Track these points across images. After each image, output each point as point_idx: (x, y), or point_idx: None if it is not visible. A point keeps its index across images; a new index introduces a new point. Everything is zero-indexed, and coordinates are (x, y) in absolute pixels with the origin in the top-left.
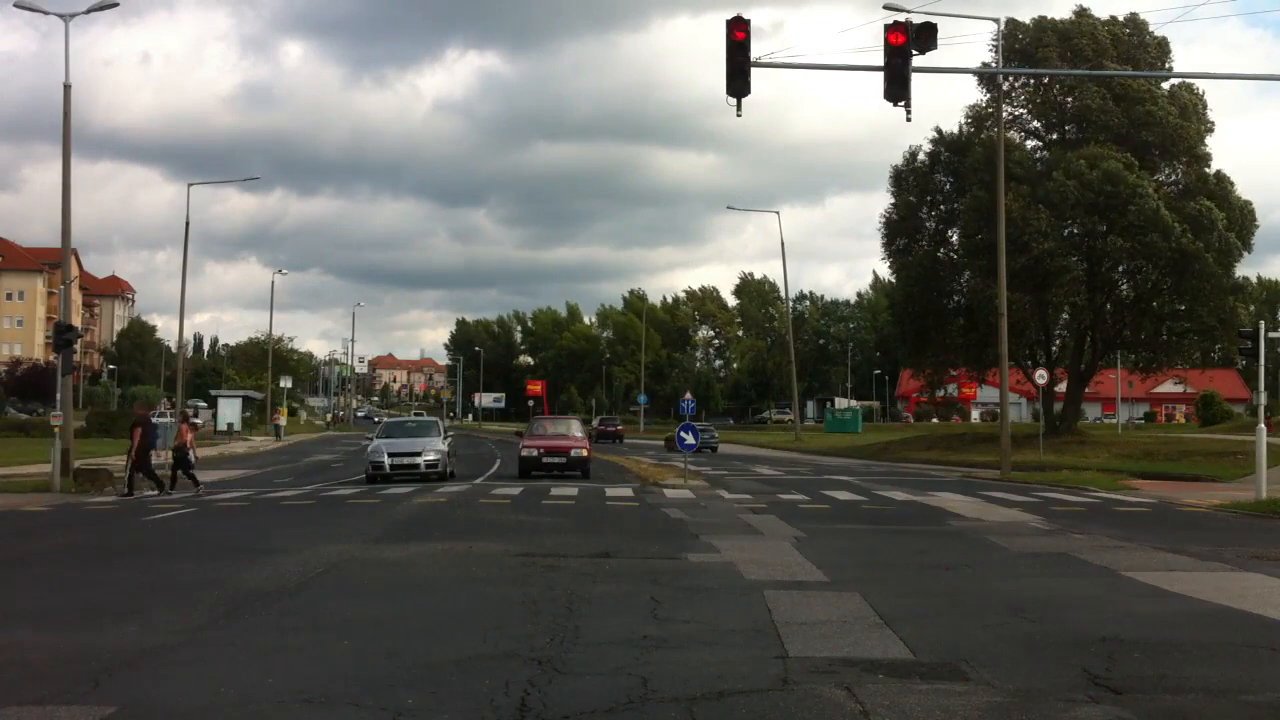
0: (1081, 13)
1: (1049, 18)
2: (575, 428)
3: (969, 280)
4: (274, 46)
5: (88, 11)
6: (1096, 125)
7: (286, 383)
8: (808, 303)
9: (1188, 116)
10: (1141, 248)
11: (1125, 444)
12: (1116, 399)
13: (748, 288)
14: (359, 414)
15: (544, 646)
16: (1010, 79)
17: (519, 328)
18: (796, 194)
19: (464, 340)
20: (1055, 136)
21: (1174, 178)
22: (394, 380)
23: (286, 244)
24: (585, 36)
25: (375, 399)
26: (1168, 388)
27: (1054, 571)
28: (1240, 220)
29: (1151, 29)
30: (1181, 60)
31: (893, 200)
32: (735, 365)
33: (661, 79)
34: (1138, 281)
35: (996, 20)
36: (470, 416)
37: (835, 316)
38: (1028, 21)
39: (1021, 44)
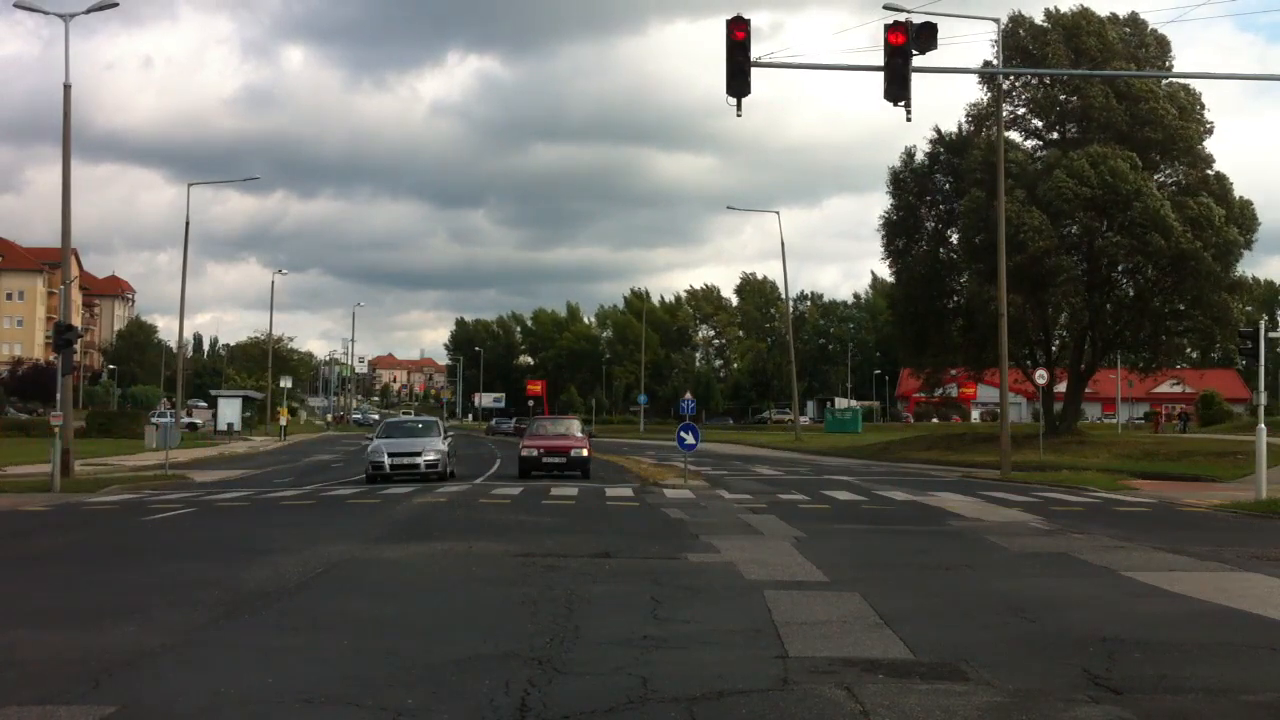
0: (1083, 11)
1: (1057, 10)
2: (575, 428)
3: (968, 280)
4: (275, 51)
5: (87, 11)
6: (1098, 124)
7: (287, 383)
8: (808, 303)
9: (1186, 116)
10: (1140, 245)
11: (1125, 444)
12: (1116, 399)
13: (749, 287)
14: (357, 417)
15: (544, 646)
16: (1011, 78)
17: (519, 328)
18: (794, 196)
19: (464, 340)
20: (1056, 135)
21: (1175, 177)
22: (394, 380)
23: (287, 245)
24: (584, 40)
25: (375, 399)
26: (1168, 388)
27: (1054, 571)
28: (1241, 218)
29: (1151, 28)
30: (1175, 63)
31: (892, 201)
32: (735, 365)
33: (659, 82)
34: (1138, 281)
35: (997, 20)
36: (470, 416)
37: (835, 317)
38: (1034, 17)
39: (1024, 41)
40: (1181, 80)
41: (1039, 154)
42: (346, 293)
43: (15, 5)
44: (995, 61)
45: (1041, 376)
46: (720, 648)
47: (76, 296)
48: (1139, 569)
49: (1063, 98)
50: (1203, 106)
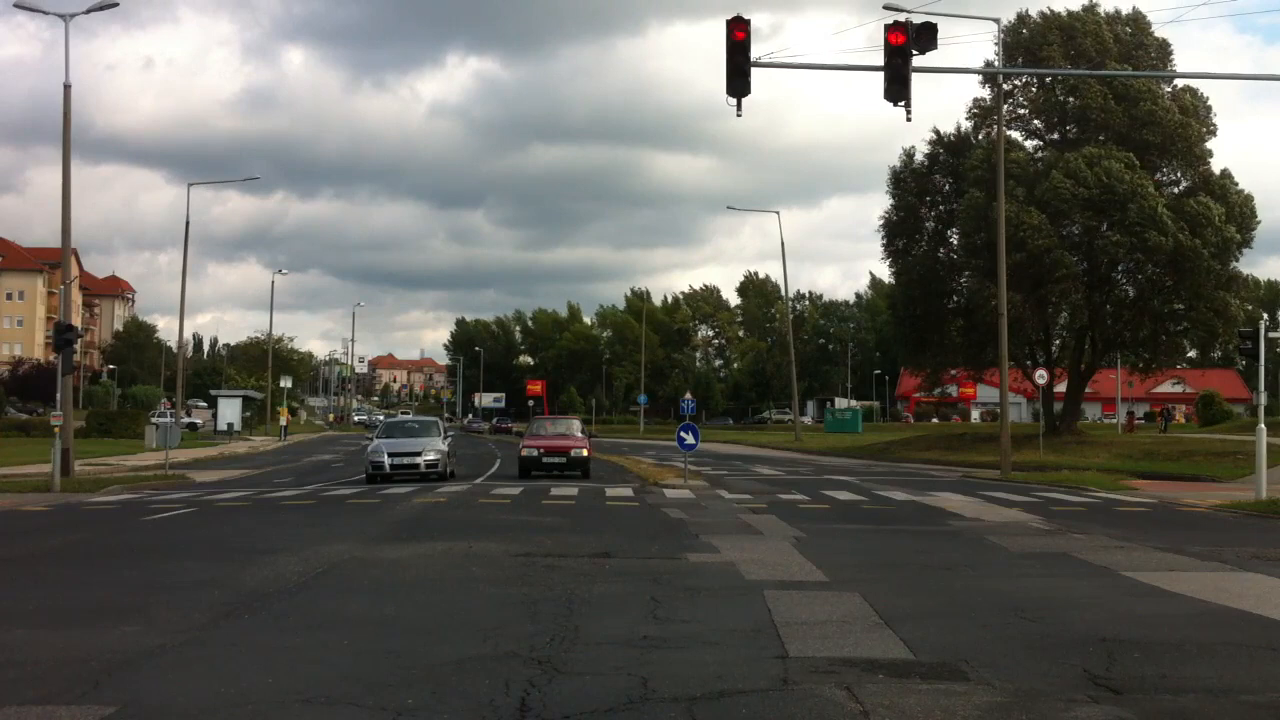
0: (1089, 9)
1: (1055, 11)
2: (575, 428)
3: (968, 280)
4: (275, 52)
5: (87, 11)
6: (1097, 124)
7: (287, 383)
8: (807, 303)
9: (1190, 116)
10: (1139, 243)
11: (1125, 444)
12: (1116, 399)
13: (751, 286)
14: (362, 418)
15: (544, 646)
16: (1012, 78)
17: (519, 328)
18: (793, 197)
19: (464, 340)
20: (1056, 136)
21: (1174, 177)
22: (394, 380)
23: (286, 245)
24: (583, 41)
25: (375, 399)
26: (1168, 387)
27: (1054, 571)
28: (1240, 216)
29: (1153, 29)
30: (1175, 63)
31: (892, 201)
32: (735, 365)
33: (658, 83)
34: (1138, 281)
35: (997, 20)
36: (470, 416)
37: (835, 317)
38: (1035, 15)
39: (1025, 40)
40: (1186, 82)
41: (1039, 154)
42: (346, 293)
43: (15, 5)
44: (996, 61)
45: (1041, 376)
46: (720, 648)
47: (76, 296)
48: (1139, 569)
49: (1062, 98)
50: (1208, 109)
